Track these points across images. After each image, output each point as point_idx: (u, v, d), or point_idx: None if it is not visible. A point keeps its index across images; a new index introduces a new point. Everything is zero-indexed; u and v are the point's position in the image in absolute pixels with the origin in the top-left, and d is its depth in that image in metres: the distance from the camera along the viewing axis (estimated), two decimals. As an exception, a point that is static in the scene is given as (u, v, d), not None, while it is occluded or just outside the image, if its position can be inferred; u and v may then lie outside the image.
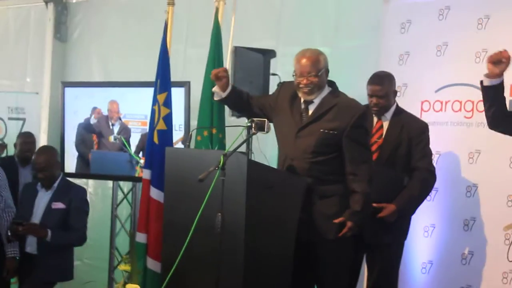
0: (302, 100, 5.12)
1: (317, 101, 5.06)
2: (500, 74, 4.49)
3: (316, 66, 5.01)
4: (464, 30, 6.20)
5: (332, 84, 5.15)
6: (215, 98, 5.48)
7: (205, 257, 4.86)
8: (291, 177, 4.98)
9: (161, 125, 6.18)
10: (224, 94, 5.38)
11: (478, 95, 5.84)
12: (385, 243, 5.53)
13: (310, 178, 4.96)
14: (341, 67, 6.81)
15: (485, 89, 4.57)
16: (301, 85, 5.04)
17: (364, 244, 5.40)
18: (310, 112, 5.08)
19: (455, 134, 6.14)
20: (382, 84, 5.62)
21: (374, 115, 5.63)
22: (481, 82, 4.63)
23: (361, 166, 4.95)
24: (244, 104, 5.47)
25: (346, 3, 7.40)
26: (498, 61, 4.45)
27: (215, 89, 5.43)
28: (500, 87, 4.53)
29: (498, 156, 5.85)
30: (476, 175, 6.01)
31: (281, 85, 5.42)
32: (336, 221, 4.89)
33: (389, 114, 5.64)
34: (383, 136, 5.57)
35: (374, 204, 5.24)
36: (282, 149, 5.21)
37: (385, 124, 5.61)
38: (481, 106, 5.91)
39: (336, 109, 5.01)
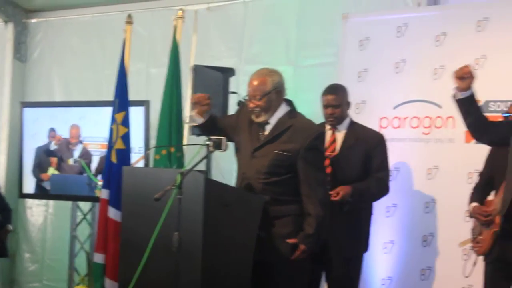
0: None
1: (273, 121, 5.00)
2: (468, 88, 4.61)
3: (260, 89, 4.94)
4: (421, 47, 6.27)
5: (290, 103, 5.11)
6: (189, 123, 5.36)
7: (162, 277, 4.81)
8: (248, 195, 4.95)
9: (119, 144, 6.16)
10: (200, 121, 5.27)
11: (436, 112, 5.96)
12: (345, 257, 5.51)
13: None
14: (303, 85, 6.88)
15: (457, 103, 4.67)
16: (249, 108, 5.03)
17: (323, 260, 5.37)
18: (267, 132, 5.03)
19: (414, 150, 6.18)
20: (337, 93, 5.64)
21: (329, 126, 5.62)
22: (454, 96, 4.71)
23: (315, 188, 4.89)
24: (216, 131, 5.38)
25: (307, 22, 7.45)
26: (462, 76, 4.58)
27: (193, 114, 5.31)
28: (471, 99, 4.63)
29: (456, 172, 5.90)
30: (434, 191, 6.06)
31: (242, 104, 5.37)
32: (290, 241, 4.85)
33: (343, 126, 5.64)
34: (338, 148, 5.57)
35: (331, 192, 5.26)
36: (239, 169, 5.17)
37: (340, 136, 5.61)
38: (439, 122, 6.00)
39: (292, 131, 4.95)
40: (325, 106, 5.63)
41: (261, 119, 4.99)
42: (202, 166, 5.77)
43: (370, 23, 6.61)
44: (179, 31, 6.60)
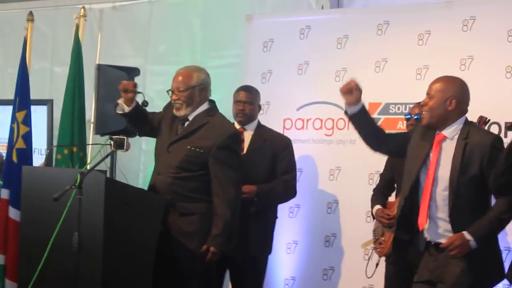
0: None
1: (191, 118, 5.02)
2: (357, 101, 4.47)
3: (185, 82, 4.98)
4: (324, 49, 6.36)
5: (211, 102, 5.13)
6: (117, 111, 5.23)
7: (62, 277, 4.75)
8: (150, 195, 4.94)
9: (20, 144, 6.05)
10: (127, 109, 5.14)
11: (338, 113, 6.03)
12: (250, 256, 5.53)
13: (172, 193, 4.91)
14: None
15: (349, 118, 4.55)
16: (171, 101, 5.03)
17: (228, 259, 5.38)
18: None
19: (316, 151, 6.26)
20: (251, 92, 5.73)
21: (238, 126, 5.64)
22: (345, 112, 4.59)
23: (225, 187, 4.89)
24: (144, 122, 5.33)
25: (212, 22, 7.47)
26: (349, 91, 4.45)
27: (120, 101, 5.18)
28: (362, 112, 4.50)
29: (358, 173, 5.99)
30: (337, 192, 6.15)
31: (168, 104, 5.29)
32: (202, 250, 4.84)
33: (252, 127, 5.69)
34: (245, 148, 5.60)
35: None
36: (155, 162, 5.16)
37: (248, 137, 5.64)
38: (341, 124, 6.09)
39: (207, 128, 4.97)
40: (237, 102, 5.69)
41: (181, 112, 5.00)
42: (107, 166, 5.76)
43: (273, 24, 6.67)
44: (81, 29, 6.54)
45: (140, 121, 5.27)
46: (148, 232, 4.83)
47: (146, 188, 5.16)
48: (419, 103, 4.73)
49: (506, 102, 5.56)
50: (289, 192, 5.68)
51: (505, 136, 5.44)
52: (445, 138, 4.31)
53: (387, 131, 4.74)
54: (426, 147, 4.35)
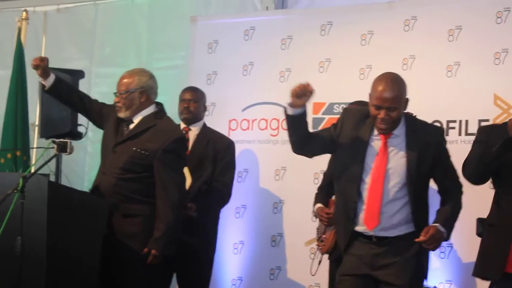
0: None
1: (137, 120, 5.01)
2: (303, 105, 4.29)
3: (126, 85, 4.98)
4: (268, 50, 6.40)
5: (159, 105, 5.12)
6: (45, 90, 5.20)
7: (5, 282, 4.70)
8: (93, 198, 4.92)
9: (-41, 147, 5.99)
10: (46, 84, 5.13)
11: (283, 114, 6.04)
12: (195, 256, 5.53)
13: (116, 194, 4.89)
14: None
15: (288, 118, 4.35)
16: (114, 103, 5.04)
17: (173, 261, 5.37)
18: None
19: (262, 152, 6.29)
20: (196, 91, 5.81)
21: (183, 125, 5.70)
22: (285, 110, 4.39)
23: (169, 191, 4.88)
24: (76, 102, 5.29)
25: (157, 24, 7.48)
26: (302, 94, 4.22)
27: (40, 80, 5.19)
28: (302, 116, 4.34)
29: (303, 173, 6.02)
30: (282, 192, 6.19)
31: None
32: (144, 252, 4.83)
33: (197, 127, 5.73)
34: (190, 147, 5.62)
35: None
36: (100, 162, 5.13)
37: (192, 136, 5.68)
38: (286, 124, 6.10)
39: (153, 131, 4.96)
40: (183, 101, 5.75)
41: (121, 114, 4.99)
42: (50, 170, 5.72)
43: (218, 26, 6.69)
44: (23, 32, 6.51)
45: (69, 97, 5.27)
46: (92, 235, 4.80)
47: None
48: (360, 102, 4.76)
49: (447, 100, 5.65)
50: (226, 197, 5.71)
51: (447, 134, 5.52)
52: (392, 134, 4.28)
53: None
54: (363, 141, 4.29)
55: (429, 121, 5.58)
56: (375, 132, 4.29)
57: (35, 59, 5.14)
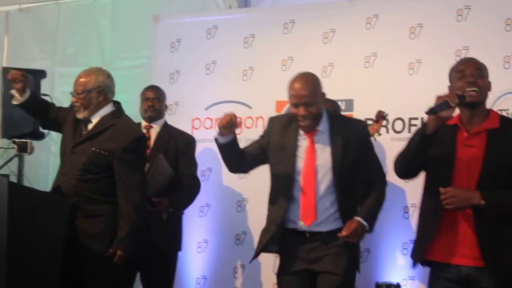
0: None
1: (95, 120, 4.98)
2: (232, 132, 4.42)
3: (83, 84, 4.94)
4: (231, 49, 6.39)
5: (117, 104, 5.10)
6: (13, 102, 5.17)
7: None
8: (55, 198, 4.88)
9: None
10: (21, 99, 5.12)
11: (246, 112, 6.11)
12: (160, 255, 5.54)
13: (77, 195, 4.85)
14: (119, 87, 6.79)
15: (219, 146, 4.50)
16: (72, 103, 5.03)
17: (137, 260, 5.34)
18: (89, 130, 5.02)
19: (225, 150, 6.26)
20: (158, 89, 5.88)
21: (144, 123, 5.74)
22: (215, 140, 4.50)
23: (131, 190, 4.85)
24: (45, 113, 5.30)
25: (120, 23, 7.46)
26: (229, 126, 4.36)
27: (13, 92, 5.14)
28: (233, 143, 4.49)
29: (266, 171, 5.98)
30: (246, 190, 6.20)
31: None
32: (107, 254, 4.80)
33: (159, 125, 5.78)
34: (151, 145, 5.65)
35: (153, 198, 5.31)
36: (60, 164, 5.10)
37: (154, 133, 5.71)
38: (249, 123, 6.14)
39: (112, 130, 4.93)
40: (146, 99, 5.79)
41: (80, 115, 4.96)
42: (10, 170, 5.68)
43: (180, 25, 6.68)
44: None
45: (38, 112, 5.26)
46: (54, 235, 4.76)
47: (52, 189, 5.11)
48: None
49: (409, 98, 5.67)
50: (196, 188, 5.76)
51: (409, 131, 5.55)
52: (317, 131, 4.42)
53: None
54: (291, 144, 4.46)
55: (391, 118, 5.69)
56: (301, 132, 4.46)
57: (15, 74, 5.11)
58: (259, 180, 5.98)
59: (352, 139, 4.40)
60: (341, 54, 5.96)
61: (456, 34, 5.62)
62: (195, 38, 6.57)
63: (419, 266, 4.34)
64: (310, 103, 4.33)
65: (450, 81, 4.21)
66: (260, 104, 6.14)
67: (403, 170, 4.31)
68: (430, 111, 3.98)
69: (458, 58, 5.51)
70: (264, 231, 4.63)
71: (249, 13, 6.63)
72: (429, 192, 4.21)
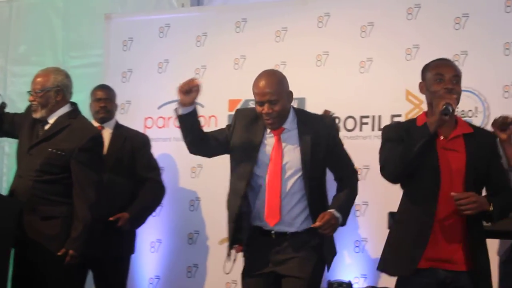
0: None
1: (51, 120, 4.94)
2: (192, 102, 4.30)
3: (41, 83, 4.93)
4: (184, 47, 6.39)
5: (73, 105, 5.06)
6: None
7: None
8: (4, 199, 4.84)
9: None
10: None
11: (199, 111, 6.04)
12: (113, 257, 5.50)
13: (33, 197, 4.81)
14: (71, 86, 6.81)
15: (179, 119, 4.33)
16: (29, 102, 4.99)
17: (90, 260, 5.31)
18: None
19: (178, 150, 6.18)
20: (109, 89, 5.82)
21: (96, 124, 5.64)
22: (175, 111, 4.35)
23: (86, 190, 4.83)
24: (1, 121, 5.20)
25: (73, 22, 7.39)
26: (189, 91, 4.25)
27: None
28: (193, 115, 4.34)
29: (219, 170, 5.95)
30: (199, 189, 6.19)
31: (29, 105, 5.14)
32: (59, 253, 4.76)
33: (110, 126, 5.71)
34: (107, 147, 5.53)
35: (110, 218, 5.28)
36: (17, 166, 5.05)
37: (107, 135, 5.62)
38: (201, 122, 6.09)
39: (69, 130, 4.90)
40: (97, 100, 5.73)
41: (37, 114, 4.93)
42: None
43: (133, 23, 6.67)
44: None
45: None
46: (3, 236, 4.73)
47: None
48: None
49: (360, 96, 5.71)
50: (159, 194, 5.74)
51: (360, 130, 5.57)
52: (284, 129, 4.33)
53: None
54: (255, 140, 4.35)
55: (343, 117, 5.72)
56: (268, 130, 4.35)
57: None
58: (212, 179, 6.05)
59: (321, 136, 4.31)
60: (293, 53, 5.97)
61: (406, 32, 5.65)
62: (147, 37, 6.56)
63: (371, 264, 4.32)
64: (275, 101, 4.22)
65: (424, 78, 4.07)
66: (213, 103, 6.12)
67: (397, 173, 4.06)
68: (447, 113, 3.87)
69: (409, 57, 5.61)
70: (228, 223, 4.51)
71: (202, 11, 6.62)
72: (414, 198, 4.05)
